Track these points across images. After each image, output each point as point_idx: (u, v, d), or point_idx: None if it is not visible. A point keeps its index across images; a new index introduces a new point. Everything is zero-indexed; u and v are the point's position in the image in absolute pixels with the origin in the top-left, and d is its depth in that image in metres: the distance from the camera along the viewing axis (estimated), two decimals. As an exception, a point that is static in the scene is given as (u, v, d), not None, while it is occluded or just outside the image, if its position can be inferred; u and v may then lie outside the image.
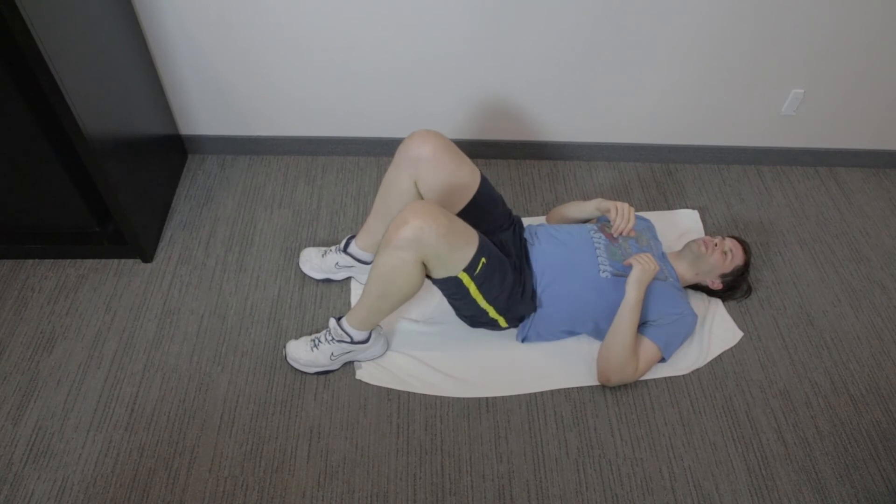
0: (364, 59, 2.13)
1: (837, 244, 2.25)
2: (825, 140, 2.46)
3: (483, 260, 1.59)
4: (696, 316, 1.84)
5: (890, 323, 2.03)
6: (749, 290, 2.04)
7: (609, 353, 1.74)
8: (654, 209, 2.32)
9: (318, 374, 1.79)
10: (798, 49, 2.14)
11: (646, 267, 1.74)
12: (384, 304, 1.64)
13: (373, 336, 1.76)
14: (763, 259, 2.18)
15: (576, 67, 2.17)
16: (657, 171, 2.47)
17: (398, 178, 1.76)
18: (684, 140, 2.44)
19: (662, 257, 1.93)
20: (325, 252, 1.99)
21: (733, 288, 1.97)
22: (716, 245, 1.89)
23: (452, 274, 1.59)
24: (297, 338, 1.86)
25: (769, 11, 2.03)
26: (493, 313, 1.73)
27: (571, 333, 1.87)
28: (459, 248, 1.56)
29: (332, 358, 1.76)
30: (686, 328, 1.82)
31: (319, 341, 1.76)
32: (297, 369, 1.80)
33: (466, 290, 1.65)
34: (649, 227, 2.03)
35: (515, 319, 1.79)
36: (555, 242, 1.82)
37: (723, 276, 1.92)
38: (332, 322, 1.73)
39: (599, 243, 1.83)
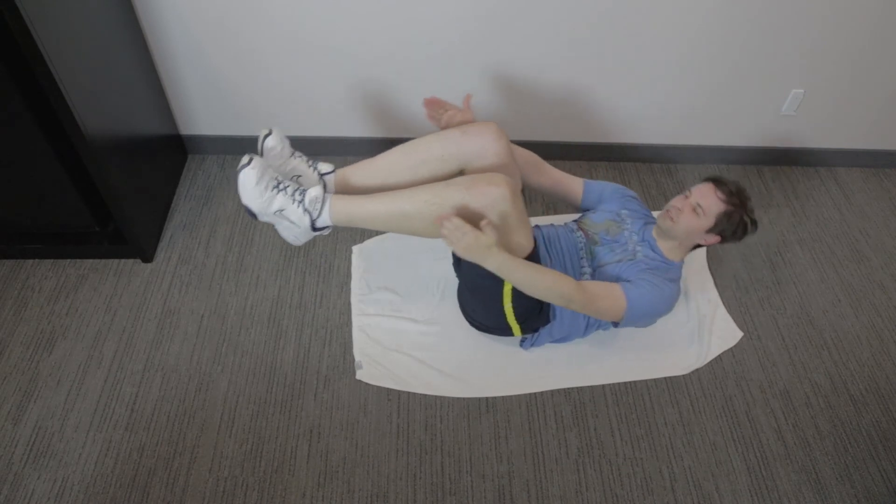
0: (364, 58, 2.13)
1: (837, 244, 2.25)
2: (825, 140, 2.46)
3: None
4: (674, 290, 1.70)
5: (890, 323, 2.03)
6: (755, 224, 1.73)
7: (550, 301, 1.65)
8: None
9: (245, 206, 1.58)
10: (798, 49, 2.14)
11: (456, 244, 1.52)
12: (392, 223, 1.58)
13: (327, 230, 1.64)
14: (763, 259, 2.18)
15: (576, 68, 2.17)
16: (657, 171, 2.47)
17: (448, 162, 1.66)
18: (684, 140, 2.44)
19: (642, 241, 1.79)
20: (295, 154, 1.70)
21: (735, 233, 1.71)
22: (679, 209, 1.69)
23: None
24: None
25: (769, 12, 2.02)
26: (510, 318, 1.72)
27: (569, 336, 1.86)
28: (519, 235, 1.57)
29: (275, 213, 1.58)
30: (657, 295, 1.66)
31: (285, 192, 1.57)
32: (241, 197, 1.58)
33: (500, 285, 1.64)
34: (625, 205, 1.86)
35: (530, 329, 1.79)
36: (549, 256, 1.79)
37: (709, 231, 1.70)
38: (318, 192, 1.57)
39: (581, 242, 1.80)
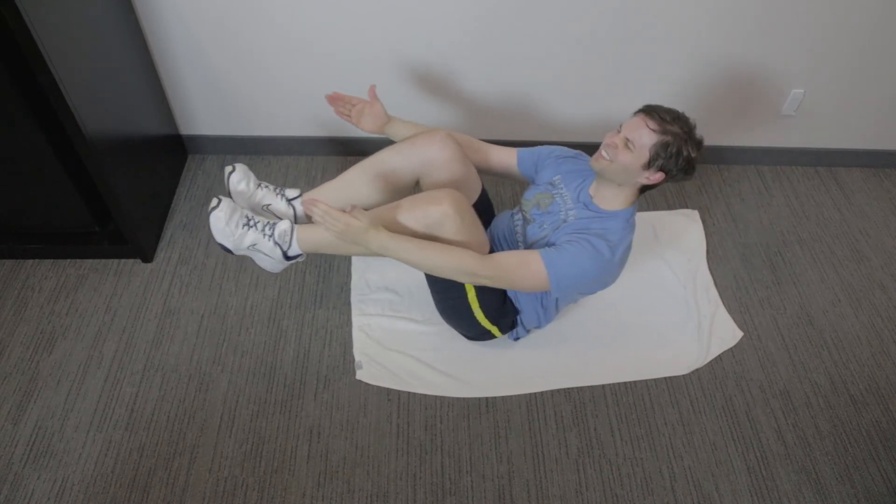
0: (365, 58, 2.13)
1: (837, 244, 2.25)
2: (825, 140, 2.46)
3: None
4: (606, 247, 1.53)
5: (890, 323, 2.03)
6: (698, 148, 1.52)
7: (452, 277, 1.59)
8: (653, 209, 2.32)
9: (219, 244, 1.64)
10: (798, 49, 2.14)
11: (333, 228, 1.50)
12: (351, 249, 1.63)
13: (301, 257, 1.70)
14: (763, 259, 2.18)
15: (577, 68, 2.17)
16: (657, 171, 2.46)
17: (401, 174, 1.71)
18: (684, 140, 2.44)
19: (577, 202, 1.63)
20: (262, 185, 1.75)
21: (679, 166, 1.49)
22: (611, 145, 1.50)
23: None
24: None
25: (769, 12, 2.03)
26: (486, 324, 1.72)
27: (539, 321, 1.80)
28: (472, 245, 1.56)
29: (248, 247, 1.65)
30: (585, 255, 1.51)
31: (255, 228, 1.63)
32: (214, 234, 1.62)
33: (465, 295, 1.64)
34: (559, 168, 1.72)
35: (508, 327, 1.79)
36: (493, 247, 1.77)
37: (647, 166, 1.49)
38: (286, 226, 1.63)
39: (518, 224, 1.75)
